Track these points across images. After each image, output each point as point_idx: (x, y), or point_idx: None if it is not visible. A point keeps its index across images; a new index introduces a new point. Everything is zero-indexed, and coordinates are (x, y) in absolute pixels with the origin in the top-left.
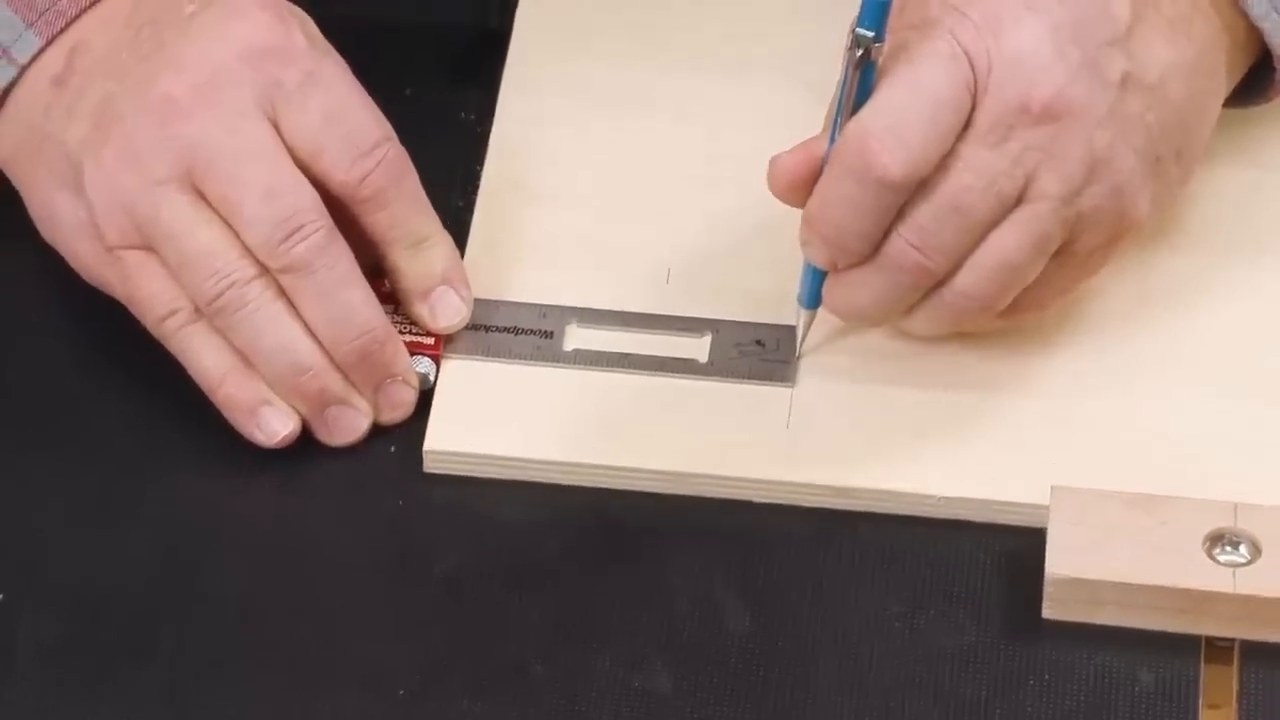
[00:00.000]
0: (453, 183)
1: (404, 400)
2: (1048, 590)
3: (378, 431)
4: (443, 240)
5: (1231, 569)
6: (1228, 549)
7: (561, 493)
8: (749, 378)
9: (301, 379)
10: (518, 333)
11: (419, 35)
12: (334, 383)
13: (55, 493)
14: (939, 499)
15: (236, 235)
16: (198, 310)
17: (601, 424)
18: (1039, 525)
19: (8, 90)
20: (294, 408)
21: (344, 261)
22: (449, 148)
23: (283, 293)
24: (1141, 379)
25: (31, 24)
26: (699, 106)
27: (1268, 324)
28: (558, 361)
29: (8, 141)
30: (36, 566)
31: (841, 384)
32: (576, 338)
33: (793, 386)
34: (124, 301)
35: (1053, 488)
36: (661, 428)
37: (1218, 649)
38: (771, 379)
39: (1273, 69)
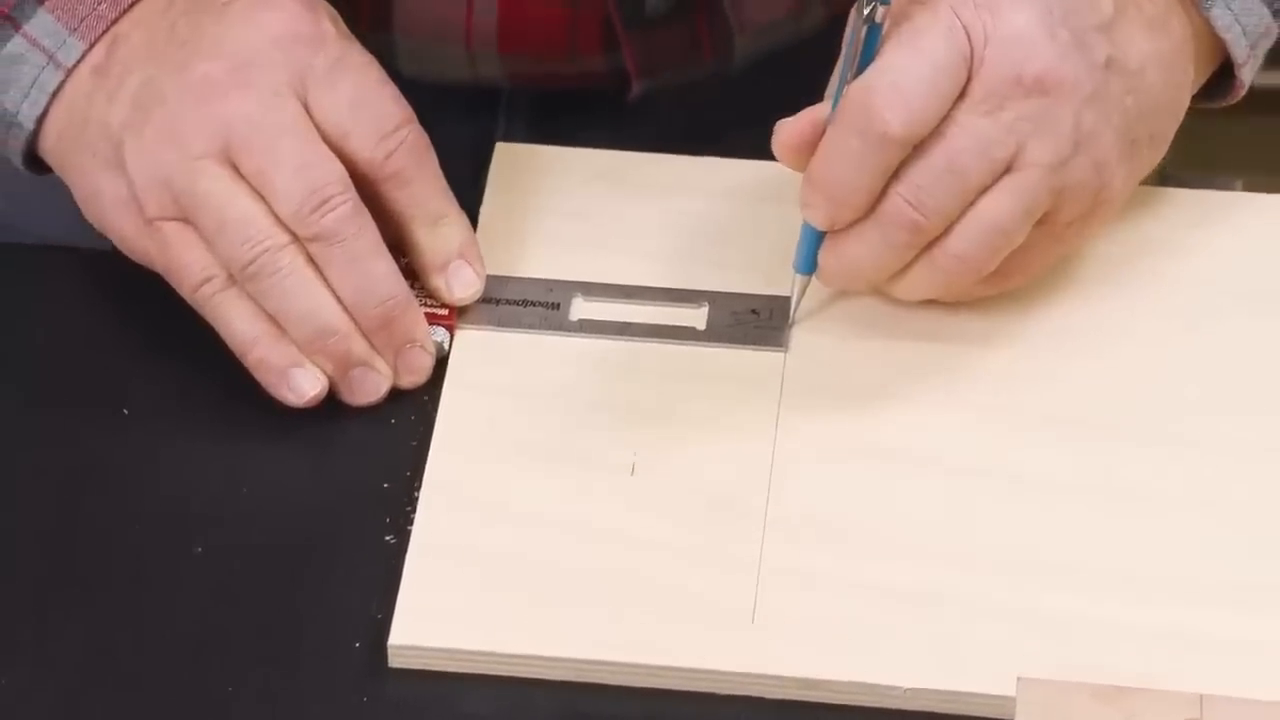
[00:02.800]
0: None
1: (422, 365)
2: None
3: (335, 634)
4: (459, 218)
5: None
6: None
7: (528, 686)
8: (744, 343)
9: (329, 341)
10: (526, 305)
11: None
12: (358, 346)
13: None
14: (905, 690)
15: (269, 206)
16: (231, 277)
17: (569, 611)
18: (1006, 717)
19: (54, 93)
20: (321, 369)
21: (369, 233)
22: None
23: (311, 261)
24: (1107, 567)
25: (74, 30)
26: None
27: (1239, 525)
28: (564, 330)
29: (53, 131)
30: None
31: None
32: (581, 309)
33: (785, 351)
34: (162, 272)
35: (1019, 679)
36: (631, 611)
37: None
38: (765, 344)
39: (1233, 75)
